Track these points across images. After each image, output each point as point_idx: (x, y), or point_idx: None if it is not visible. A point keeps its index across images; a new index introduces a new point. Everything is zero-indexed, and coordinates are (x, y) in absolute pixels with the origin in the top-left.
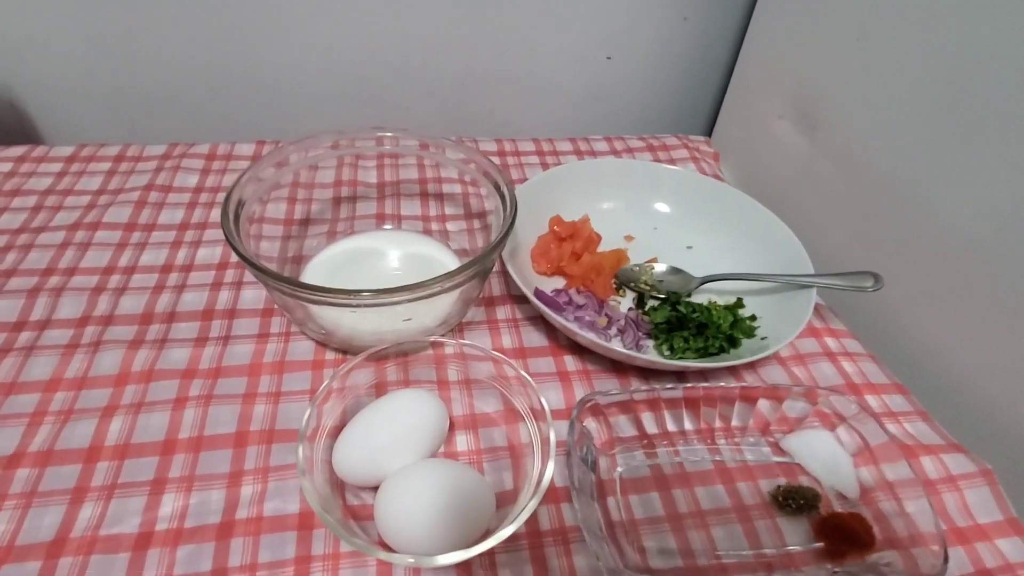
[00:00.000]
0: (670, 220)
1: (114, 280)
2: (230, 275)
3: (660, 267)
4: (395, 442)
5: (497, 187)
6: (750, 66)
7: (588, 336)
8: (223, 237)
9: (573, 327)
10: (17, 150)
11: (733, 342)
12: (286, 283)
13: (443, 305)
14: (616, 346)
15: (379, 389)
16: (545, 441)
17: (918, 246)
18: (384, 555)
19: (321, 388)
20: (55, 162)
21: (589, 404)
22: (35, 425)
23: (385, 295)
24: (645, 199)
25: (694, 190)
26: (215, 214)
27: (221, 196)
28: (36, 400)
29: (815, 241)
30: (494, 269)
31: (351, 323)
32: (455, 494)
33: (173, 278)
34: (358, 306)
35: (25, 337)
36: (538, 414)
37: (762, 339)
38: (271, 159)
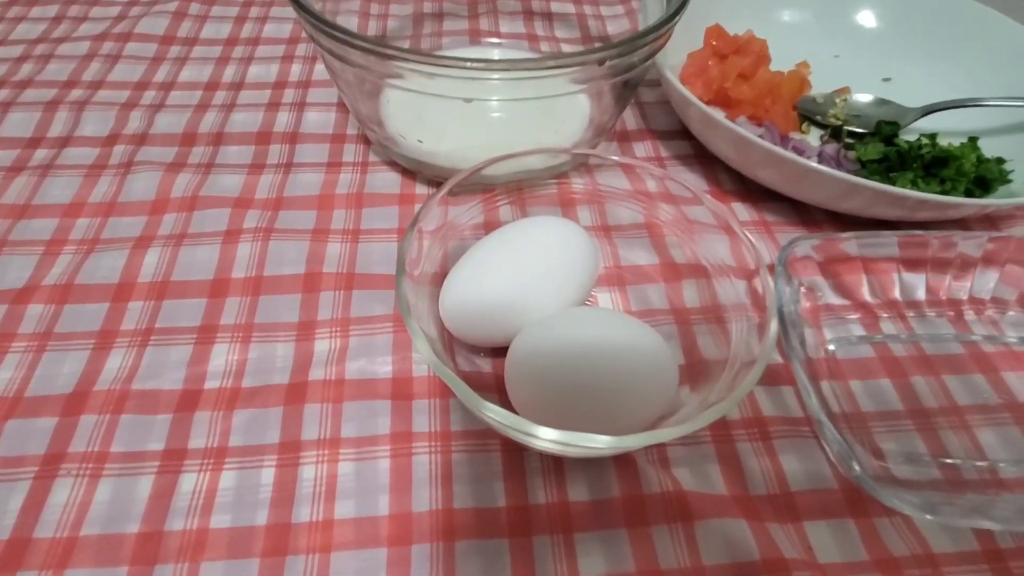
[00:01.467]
0: (861, 44)
1: (148, 96)
2: (290, 95)
3: (861, 97)
4: (533, 283)
5: None
6: None
7: (794, 157)
8: (280, 54)
9: (775, 147)
10: None
11: (984, 185)
12: (377, 49)
13: (572, 126)
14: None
15: (489, 230)
16: (756, 296)
17: None
18: (530, 428)
19: (422, 207)
20: None
21: (796, 252)
22: (52, 255)
23: (522, 67)
24: (838, 10)
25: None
26: (270, 28)
27: (276, 10)
28: (54, 226)
29: None
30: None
31: (457, 131)
32: (626, 359)
33: (220, 96)
34: (481, 78)
35: (41, 155)
36: (740, 262)
37: None
38: None
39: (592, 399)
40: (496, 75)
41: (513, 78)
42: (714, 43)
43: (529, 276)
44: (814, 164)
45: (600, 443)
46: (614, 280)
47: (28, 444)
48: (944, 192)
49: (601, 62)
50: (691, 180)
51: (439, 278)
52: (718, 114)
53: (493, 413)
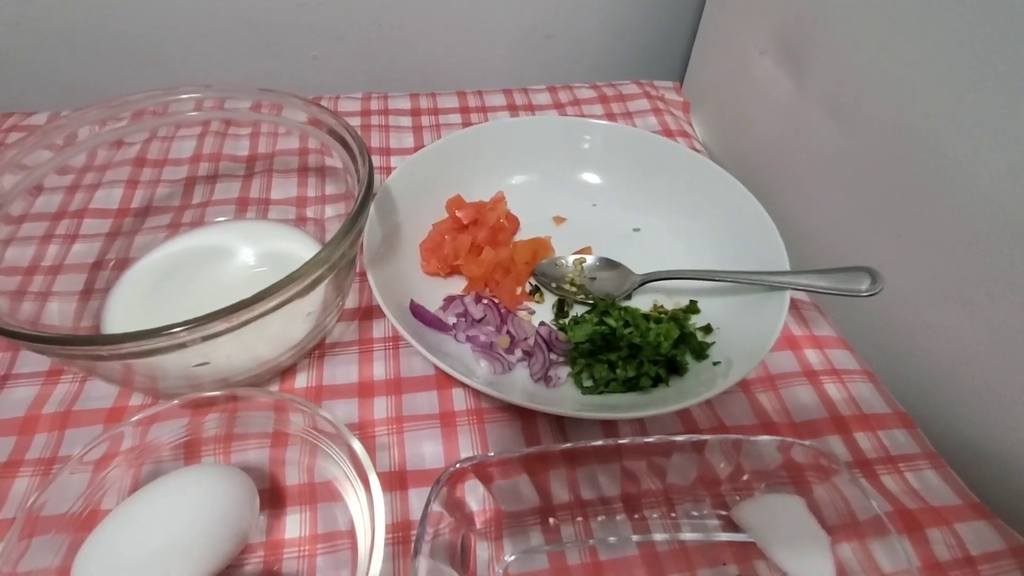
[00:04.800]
0: (609, 195)
1: None
2: (37, 283)
3: (591, 260)
4: (160, 561)
5: (348, 150)
6: None
7: (469, 381)
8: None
9: (444, 363)
10: None
11: (676, 368)
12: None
13: (284, 325)
14: (511, 392)
15: (190, 448)
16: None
17: (936, 224)
18: None
19: (77, 455)
20: None
21: (453, 477)
22: None
23: (148, 339)
24: (568, 168)
25: (634, 152)
26: (40, 203)
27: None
28: None
29: (801, 216)
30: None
31: (142, 368)
32: None
33: None
34: (97, 357)
35: None
36: (367, 488)
37: (715, 363)
38: (43, 139)
39: None
40: (114, 350)
41: (123, 354)
42: (456, 213)
43: (159, 545)
44: (477, 383)
45: None
46: (307, 498)
47: None
48: (638, 376)
49: (235, 325)
50: (418, 365)
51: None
52: (459, 286)
53: None
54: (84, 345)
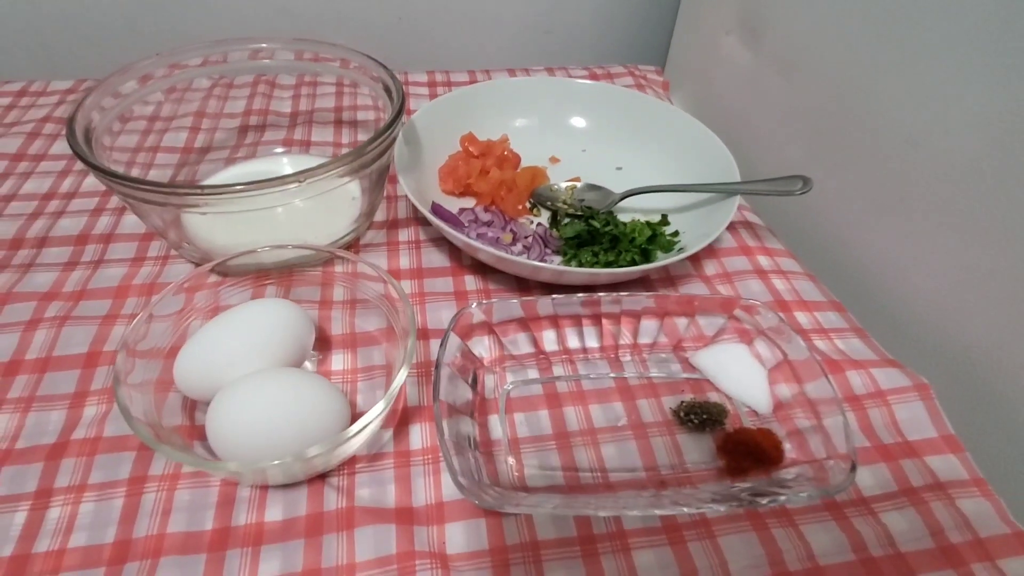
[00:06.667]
0: (595, 139)
1: None
2: (115, 200)
3: (580, 185)
4: (240, 351)
5: (381, 80)
6: None
7: (482, 246)
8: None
9: (465, 238)
10: None
11: (647, 255)
12: (118, 180)
13: (327, 218)
14: (513, 268)
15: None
16: (410, 355)
17: (863, 155)
18: (197, 463)
19: (161, 294)
20: None
21: (466, 315)
22: None
23: (230, 191)
24: (560, 114)
25: (614, 104)
26: (121, 140)
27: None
28: None
29: (762, 162)
30: (399, 193)
31: (222, 240)
32: (294, 403)
33: (54, 205)
34: (192, 205)
35: None
36: (406, 328)
37: (680, 250)
38: (129, 74)
39: (269, 434)
40: (219, 194)
41: (229, 195)
42: (469, 147)
43: (239, 343)
44: (492, 249)
45: (242, 473)
46: (348, 343)
47: None
48: (616, 260)
49: (315, 179)
50: (437, 258)
51: None
52: (468, 204)
53: (161, 451)
54: (184, 190)
